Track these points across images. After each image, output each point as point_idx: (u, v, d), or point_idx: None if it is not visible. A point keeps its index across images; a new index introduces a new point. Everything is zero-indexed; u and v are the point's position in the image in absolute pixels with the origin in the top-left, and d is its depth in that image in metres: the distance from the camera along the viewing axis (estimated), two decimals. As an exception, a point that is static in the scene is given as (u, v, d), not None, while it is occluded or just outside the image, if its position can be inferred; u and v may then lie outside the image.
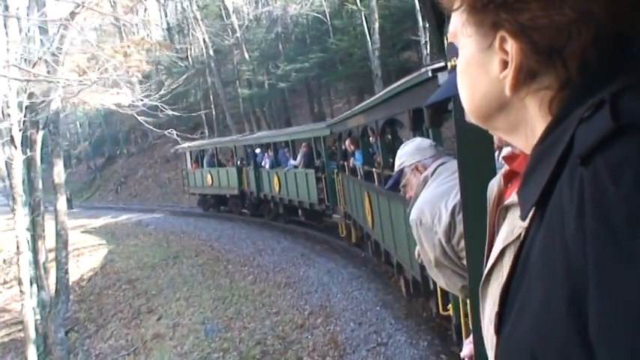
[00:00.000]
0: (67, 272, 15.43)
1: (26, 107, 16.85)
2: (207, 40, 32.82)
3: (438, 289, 6.39)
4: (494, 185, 1.24)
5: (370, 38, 23.06)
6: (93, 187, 50.65)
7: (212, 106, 36.19)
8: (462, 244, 2.08)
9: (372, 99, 10.20)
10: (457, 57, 0.77)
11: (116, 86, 18.24)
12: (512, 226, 1.08)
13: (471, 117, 0.76)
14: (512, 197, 1.10)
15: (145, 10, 45.04)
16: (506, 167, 1.19)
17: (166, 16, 39.91)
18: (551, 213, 0.57)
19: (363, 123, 11.04)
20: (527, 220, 0.65)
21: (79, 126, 62.58)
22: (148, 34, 44.45)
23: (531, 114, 0.67)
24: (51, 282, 17.42)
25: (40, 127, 17.93)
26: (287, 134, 18.96)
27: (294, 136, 18.06)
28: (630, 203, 0.49)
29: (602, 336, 0.49)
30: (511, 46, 0.63)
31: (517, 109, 0.68)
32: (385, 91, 8.90)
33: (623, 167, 0.50)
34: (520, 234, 0.99)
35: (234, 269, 15.71)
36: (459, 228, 2.14)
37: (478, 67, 0.69)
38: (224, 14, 32.30)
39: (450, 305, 6.22)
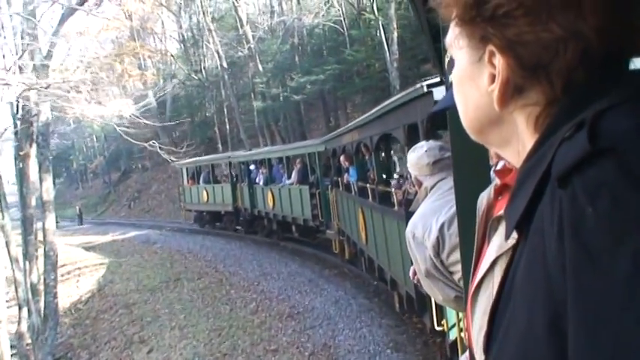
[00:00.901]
0: (55, 296, 14.26)
1: (19, 118, 15.90)
2: (220, 52, 31.81)
3: (433, 305, 6.28)
4: (483, 198, 1.27)
5: (388, 49, 21.86)
6: (107, 201, 49.94)
7: (226, 120, 35.16)
8: (452, 258, 2.24)
9: (366, 115, 10.03)
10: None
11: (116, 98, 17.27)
12: (502, 238, 1.01)
13: (467, 130, 0.75)
14: (504, 209, 1.02)
15: (162, 23, 44.44)
16: (497, 181, 1.21)
17: (180, 28, 39.01)
18: (533, 234, 0.57)
19: (357, 139, 10.98)
20: (515, 238, 0.64)
21: (95, 140, 61.92)
22: (163, 48, 43.75)
23: (521, 130, 0.66)
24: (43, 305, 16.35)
25: (34, 139, 16.88)
26: (281, 150, 19.09)
27: (288, 152, 18.11)
28: (607, 226, 0.49)
29: (579, 358, 0.49)
30: (498, 60, 0.63)
31: (508, 123, 0.68)
32: (380, 106, 8.75)
33: (600, 190, 0.50)
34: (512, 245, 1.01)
35: (236, 295, 14.44)
36: (448, 243, 2.26)
37: (470, 79, 0.70)
38: (238, 25, 31.24)
39: (444, 321, 6.18)
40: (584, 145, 0.52)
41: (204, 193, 24.06)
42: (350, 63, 24.76)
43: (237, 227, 22.52)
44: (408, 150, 6.54)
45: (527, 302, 0.57)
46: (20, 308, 14.90)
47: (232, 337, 11.61)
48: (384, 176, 10.24)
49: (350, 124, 12.00)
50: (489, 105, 0.67)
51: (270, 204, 18.37)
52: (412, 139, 7.07)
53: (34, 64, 13.48)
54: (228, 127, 34.77)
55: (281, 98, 27.69)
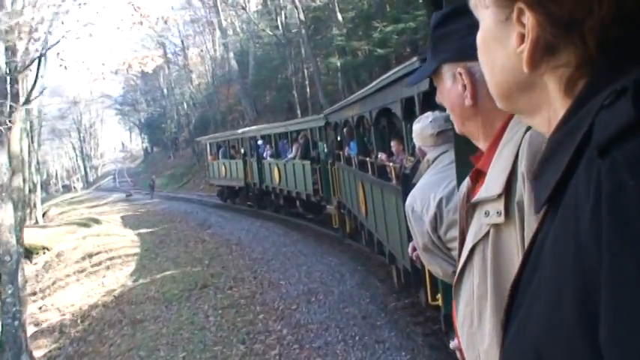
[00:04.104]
0: (17, 317, 10.28)
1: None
2: (297, 1, 26.99)
3: (427, 279, 6.24)
4: (464, 184, 1.30)
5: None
6: (191, 172, 46.92)
7: (306, 83, 30.50)
8: (449, 234, 2.15)
9: (366, 88, 10.04)
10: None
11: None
12: (479, 224, 1.13)
13: (494, 97, 0.71)
14: (478, 195, 1.14)
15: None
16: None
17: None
18: (565, 207, 0.54)
19: (358, 113, 10.91)
20: (541, 213, 0.61)
21: (185, 107, 59.23)
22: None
23: (552, 94, 0.63)
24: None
25: (21, 99, 13.05)
26: (284, 125, 19.22)
27: (291, 127, 18.19)
28: None
29: (614, 341, 0.46)
30: (528, 18, 0.60)
31: (538, 88, 0.64)
32: (378, 80, 8.73)
33: None
34: (488, 231, 1.10)
35: (262, 325, 9.91)
36: (446, 219, 2.19)
37: (496, 40, 0.66)
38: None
39: (439, 295, 5.86)
40: (628, 114, 0.49)
41: (223, 168, 24.35)
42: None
43: (249, 203, 22.63)
44: (405, 124, 7.63)
45: (554, 279, 0.53)
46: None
47: None
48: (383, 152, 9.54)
49: (350, 97, 11.94)
50: (518, 67, 0.63)
51: (277, 179, 18.39)
52: (409, 113, 6.99)
53: None
54: (308, 90, 30.11)
55: (362, 53, 22.53)
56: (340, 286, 10.66)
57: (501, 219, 1.10)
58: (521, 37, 0.61)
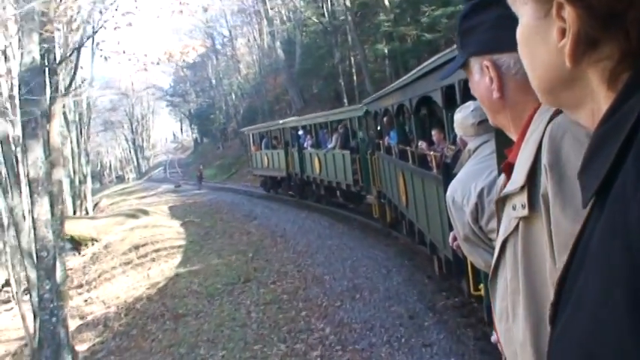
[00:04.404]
0: (55, 313, 10.08)
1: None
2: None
3: (469, 270, 6.06)
4: (500, 178, 1.30)
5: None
6: (239, 163, 46.83)
7: (353, 71, 29.87)
8: (490, 225, 2.07)
9: (406, 76, 9.89)
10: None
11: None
12: (509, 218, 1.11)
13: (536, 92, 0.71)
14: (506, 188, 1.12)
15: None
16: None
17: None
18: (613, 200, 0.53)
19: (398, 101, 10.66)
20: (589, 207, 0.60)
21: (233, 97, 59.22)
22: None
23: (595, 88, 0.62)
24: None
25: (62, 90, 12.88)
26: (324, 115, 19.14)
27: (331, 117, 18.16)
28: None
29: None
30: (568, 12, 0.58)
31: (581, 82, 0.63)
32: (419, 68, 8.52)
33: None
34: (517, 225, 1.08)
35: (303, 324, 9.47)
36: (487, 210, 2.14)
37: (537, 36, 0.66)
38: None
39: (481, 285, 5.69)
40: None
41: (265, 158, 24.39)
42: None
43: (290, 193, 22.64)
44: (446, 112, 7.45)
45: (603, 274, 0.52)
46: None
47: None
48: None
49: (390, 86, 11.84)
50: (560, 62, 0.62)
51: (317, 169, 18.42)
52: (450, 102, 6.82)
53: None
54: (355, 78, 29.46)
55: (410, 39, 21.75)
56: (386, 283, 10.12)
57: (525, 212, 1.06)
58: (562, 32, 0.60)
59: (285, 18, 42.94)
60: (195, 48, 15.30)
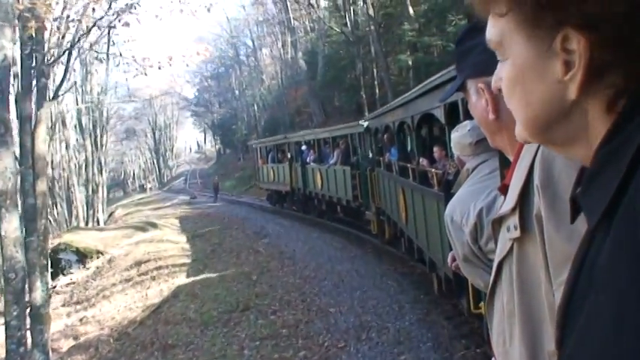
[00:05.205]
0: (20, 343, 8.94)
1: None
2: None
3: (470, 288, 5.96)
4: (499, 200, 1.35)
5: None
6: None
7: (375, 83, 28.66)
8: (490, 245, 2.04)
9: (407, 94, 9.83)
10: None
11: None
12: (504, 240, 1.11)
13: (524, 131, 0.71)
14: (501, 209, 1.12)
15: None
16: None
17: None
18: (622, 221, 0.52)
19: (399, 118, 10.65)
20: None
21: (256, 108, 58.33)
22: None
23: (592, 117, 0.62)
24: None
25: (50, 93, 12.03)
26: (328, 131, 19.38)
27: (334, 132, 18.27)
28: None
29: None
30: (578, 42, 0.58)
31: (578, 114, 0.63)
32: (421, 85, 8.55)
33: None
34: (511, 246, 1.07)
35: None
36: (487, 230, 2.09)
37: (533, 73, 0.65)
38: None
39: (481, 304, 5.39)
40: None
41: (271, 172, 24.39)
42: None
43: (294, 207, 22.75)
44: (448, 130, 7.12)
45: (614, 296, 0.50)
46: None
47: None
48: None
49: (391, 103, 11.88)
50: (560, 97, 0.62)
51: (319, 184, 18.48)
52: (452, 119, 6.74)
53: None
54: (378, 90, 28.24)
55: (436, 49, 20.50)
56: (397, 322, 8.83)
57: (517, 233, 1.05)
58: (566, 65, 0.60)
59: (308, 28, 41.99)
60: (200, 52, 14.25)
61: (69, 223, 33.05)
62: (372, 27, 25.66)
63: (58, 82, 13.26)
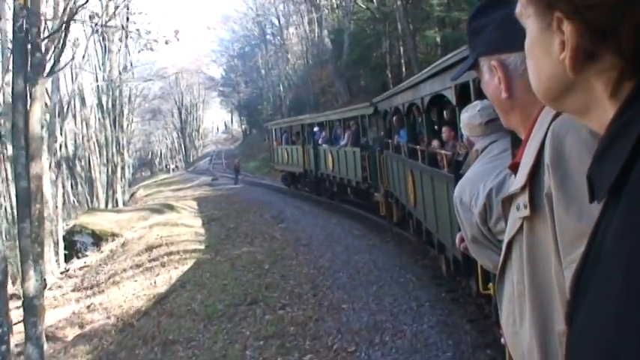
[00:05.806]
0: (2, 341, 8.24)
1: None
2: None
3: (479, 269, 5.88)
4: (511, 179, 1.26)
5: None
6: (282, 157, 45.05)
7: (402, 61, 27.52)
8: (499, 226, 2.00)
9: (417, 75, 9.79)
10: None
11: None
12: (514, 218, 1.08)
13: (540, 98, 0.72)
14: (512, 188, 1.11)
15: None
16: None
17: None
18: (630, 196, 0.53)
19: (408, 100, 10.43)
20: (602, 203, 0.60)
21: (281, 88, 57.33)
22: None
23: (599, 95, 0.62)
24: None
25: (44, 72, 11.34)
26: (339, 113, 19.40)
27: (345, 114, 18.25)
28: None
29: None
30: (566, 26, 0.60)
31: (585, 90, 0.64)
32: (431, 66, 8.24)
33: None
34: (521, 225, 1.05)
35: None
36: (496, 210, 2.07)
37: (541, 47, 0.67)
38: None
39: (490, 284, 5.56)
40: None
41: (285, 153, 24.48)
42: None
43: (306, 189, 22.78)
44: (458, 111, 6.70)
45: (623, 270, 0.50)
46: None
47: None
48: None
49: (401, 85, 11.68)
50: (563, 73, 0.63)
51: (331, 166, 18.49)
52: (463, 100, 6.37)
53: None
54: (404, 69, 27.11)
55: (465, 25, 19.29)
56: (414, 324, 7.91)
57: (527, 212, 1.03)
58: (563, 44, 0.61)
59: (334, 5, 40.78)
60: (210, 27, 13.38)
61: (90, 203, 32.68)
62: (399, 2, 24.45)
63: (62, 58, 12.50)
